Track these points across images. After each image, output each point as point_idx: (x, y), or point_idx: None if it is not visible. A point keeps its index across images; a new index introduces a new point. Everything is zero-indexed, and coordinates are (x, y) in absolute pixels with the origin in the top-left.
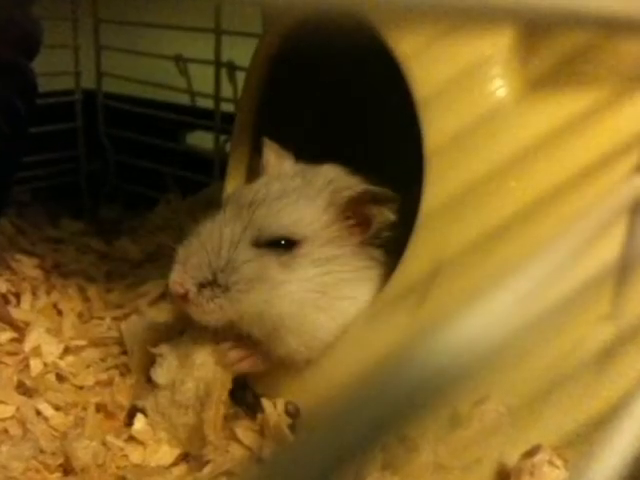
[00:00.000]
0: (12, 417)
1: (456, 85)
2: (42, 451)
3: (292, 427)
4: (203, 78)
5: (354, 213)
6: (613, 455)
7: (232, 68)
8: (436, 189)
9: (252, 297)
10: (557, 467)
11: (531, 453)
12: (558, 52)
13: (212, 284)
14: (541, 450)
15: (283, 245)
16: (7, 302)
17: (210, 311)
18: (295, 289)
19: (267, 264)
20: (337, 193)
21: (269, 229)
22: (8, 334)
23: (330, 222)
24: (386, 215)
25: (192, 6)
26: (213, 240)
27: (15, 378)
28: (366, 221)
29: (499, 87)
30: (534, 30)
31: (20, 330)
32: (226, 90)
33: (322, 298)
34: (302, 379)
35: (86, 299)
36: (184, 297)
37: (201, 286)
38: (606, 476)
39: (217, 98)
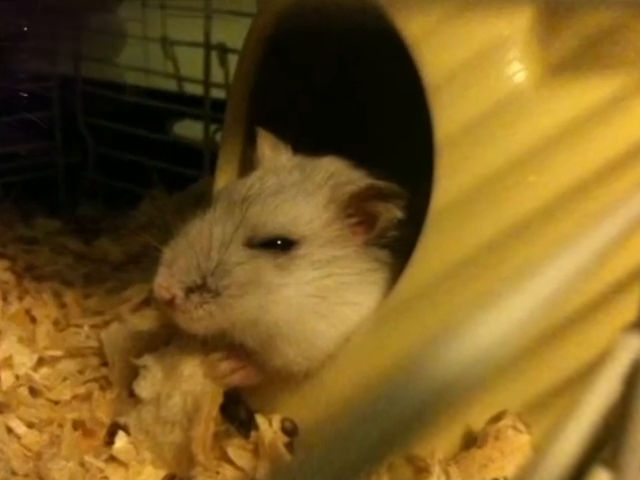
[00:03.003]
0: None
1: (470, 69)
2: (14, 473)
3: (289, 446)
4: (192, 62)
5: (357, 210)
6: (579, 425)
7: (223, 51)
8: (448, 184)
9: (245, 303)
10: (520, 431)
11: (496, 419)
12: (582, 33)
13: (201, 288)
14: (506, 416)
15: (279, 245)
16: None
17: (199, 318)
18: (292, 294)
19: (262, 266)
20: (339, 188)
21: (264, 228)
22: None
23: (331, 220)
24: (392, 212)
25: None
26: (202, 240)
27: None
28: (370, 219)
29: (517, 71)
30: (555, 9)
31: None
32: (217, 75)
33: (322, 303)
34: (300, 393)
35: (62, 305)
36: (170, 303)
37: (189, 291)
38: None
39: (207, 84)
